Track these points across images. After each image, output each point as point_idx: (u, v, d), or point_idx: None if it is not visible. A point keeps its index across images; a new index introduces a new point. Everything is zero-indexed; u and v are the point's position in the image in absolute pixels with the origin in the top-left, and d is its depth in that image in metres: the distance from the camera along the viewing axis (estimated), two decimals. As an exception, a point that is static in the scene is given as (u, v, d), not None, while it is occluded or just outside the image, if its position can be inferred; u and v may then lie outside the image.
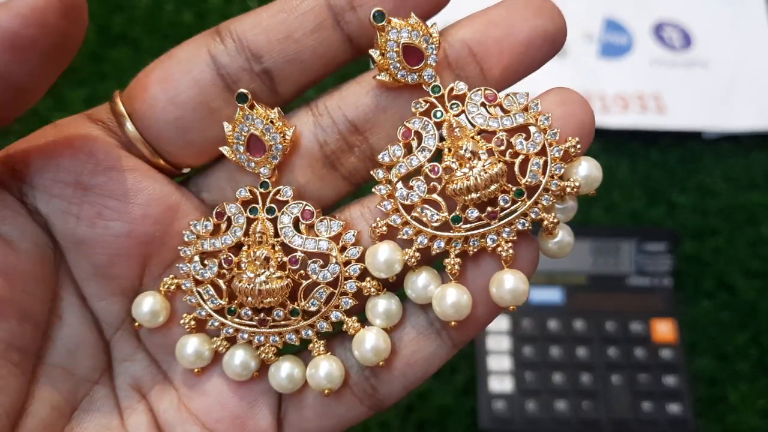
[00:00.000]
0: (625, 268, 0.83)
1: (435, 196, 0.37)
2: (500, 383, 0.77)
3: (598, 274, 0.83)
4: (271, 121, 0.37)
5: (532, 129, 0.36)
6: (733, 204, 0.89)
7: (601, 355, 0.78)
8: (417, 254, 0.37)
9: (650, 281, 0.82)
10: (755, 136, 0.94)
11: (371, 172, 0.38)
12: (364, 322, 0.39)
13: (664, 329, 0.80)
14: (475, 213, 0.37)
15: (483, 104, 0.37)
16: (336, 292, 0.38)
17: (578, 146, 0.36)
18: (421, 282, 0.38)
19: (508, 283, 0.36)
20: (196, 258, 0.39)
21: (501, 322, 0.80)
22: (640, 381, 0.77)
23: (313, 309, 0.39)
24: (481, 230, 0.37)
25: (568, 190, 0.36)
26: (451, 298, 0.37)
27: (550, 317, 0.80)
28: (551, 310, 0.81)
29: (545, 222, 0.37)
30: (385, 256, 0.37)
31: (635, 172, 0.91)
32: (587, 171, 0.37)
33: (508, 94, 0.37)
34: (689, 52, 0.98)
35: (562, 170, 0.37)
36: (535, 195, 0.37)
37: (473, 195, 0.36)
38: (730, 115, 0.93)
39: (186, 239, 0.39)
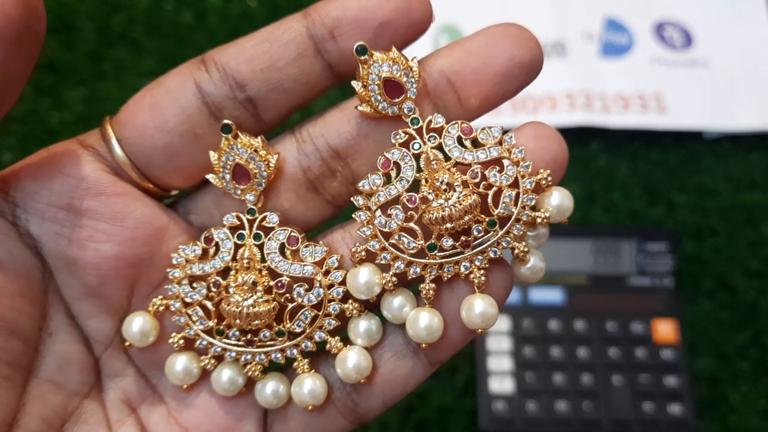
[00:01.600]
0: (625, 268, 0.83)
1: (412, 224, 0.39)
2: (500, 384, 0.77)
3: (598, 274, 0.83)
4: (255, 150, 0.39)
5: (506, 162, 0.38)
6: (733, 204, 0.89)
7: (601, 356, 0.79)
8: (394, 279, 0.39)
9: (651, 281, 0.82)
10: (755, 136, 0.93)
11: (352, 199, 0.39)
12: (346, 341, 0.41)
13: (664, 329, 0.80)
14: (450, 242, 0.38)
15: (459, 137, 0.38)
16: (320, 313, 0.40)
17: (549, 178, 0.38)
18: (397, 303, 0.39)
19: (478, 307, 0.38)
20: (185, 281, 0.40)
21: (501, 323, 0.80)
22: (641, 381, 0.77)
23: (298, 330, 0.40)
24: (455, 258, 0.38)
25: (539, 220, 0.38)
26: (423, 322, 0.38)
27: (550, 317, 0.80)
28: (552, 311, 0.81)
29: (516, 251, 0.38)
30: (365, 279, 0.39)
31: (635, 172, 0.91)
32: (559, 201, 0.38)
33: (483, 128, 0.38)
34: (690, 52, 0.97)
35: (534, 201, 0.38)
36: (507, 225, 0.38)
37: (448, 225, 0.37)
38: (731, 114, 0.93)
39: (175, 262, 0.40)
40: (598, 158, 0.91)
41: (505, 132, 0.38)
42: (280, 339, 0.40)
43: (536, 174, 0.38)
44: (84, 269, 0.39)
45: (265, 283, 0.39)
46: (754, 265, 0.85)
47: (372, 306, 0.40)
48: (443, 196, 0.37)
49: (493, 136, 0.38)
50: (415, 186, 0.38)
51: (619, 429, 0.75)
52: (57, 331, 0.39)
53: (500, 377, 0.77)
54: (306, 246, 0.39)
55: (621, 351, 0.79)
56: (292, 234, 0.40)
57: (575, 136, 0.90)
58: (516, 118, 0.91)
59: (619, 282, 0.83)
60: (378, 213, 0.38)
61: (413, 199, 0.38)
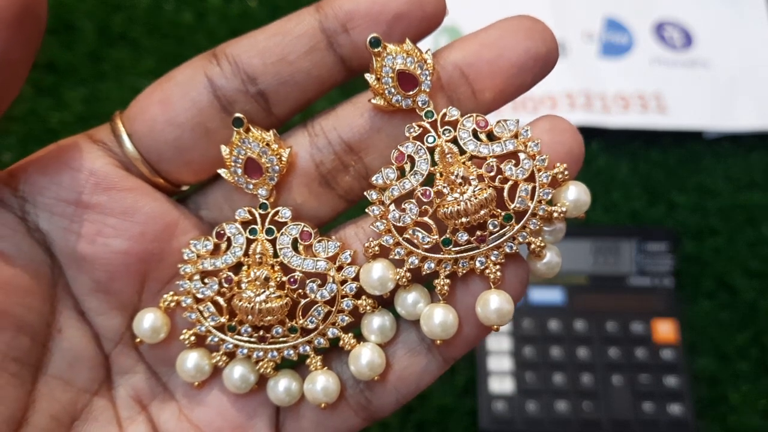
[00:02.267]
0: (625, 268, 0.83)
1: (426, 219, 0.38)
2: (500, 384, 0.77)
3: (598, 274, 0.83)
4: (267, 144, 0.38)
5: (522, 155, 0.37)
6: (733, 204, 0.89)
7: (601, 356, 0.79)
8: (408, 274, 0.38)
9: (651, 281, 0.82)
10: (755, 136, 0.94)
11: (365, 193, 0.39)
12: (359, 337, 0.40)
13: (664, 329, 0.80)
14: (465, 236, 0.38)
15: (474, 131, 0.38)
16: (333, 309, 0.40)
17: (566, 172, 0.37)
18: (411, 299, 0.39)
19: (494, 303, 0.37)
20: (196, 276, 0.40)
21: (502, 323, 0.80)
22: (641, 381, 0.77)
23: (311, 326, 0.40)
24: (470, 253, 0.38)
25: (555, 215, 0.37)
26: (438, 318, 0.38)
27: (550, 317, 0.80)
28: (552, 311, 0.81)
29: (532, 245, 0.38)
30: (378, 274, 0.38)
31: (635, 172, 0.91)
32: (576, 195, 0.38)
33: (499, 121, 0.38)
34: (690, 52, 0.98)
35: (550, 195, 0.38)
36: (523, 220, 0.38)
37: (463, 219, 0.37)
38: (731, 114, 0.93)
39: (186, 257, 0.40)
40: (598, 158, 0.91)
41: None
42: (292, 335, 0.40)
43: (552, 168, 0.37)
44: (93, 265, 0.39)
45: (278, 279, 0.39)
46: (754, 265, 0.86)
47: (386, 302, 0.40)
48: (458, 190, 0.37)
49: (508, 129, 0.38)
50: (429, 180, 0.38)
51: (619, 429, 0.75)
52: (66, 327, 0.39)
53: (500, 377, 0.77)
54: (319, 241, 0.39)
55: (621, 351, 0.79)
56: (305, 229, 0.39)
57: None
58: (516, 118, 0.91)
59: (619, 282, 0.83)
60: (392, 207, 0.38)
61: (428, 193, 0.38)
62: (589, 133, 0.92)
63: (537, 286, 0.82)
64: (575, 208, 0.37)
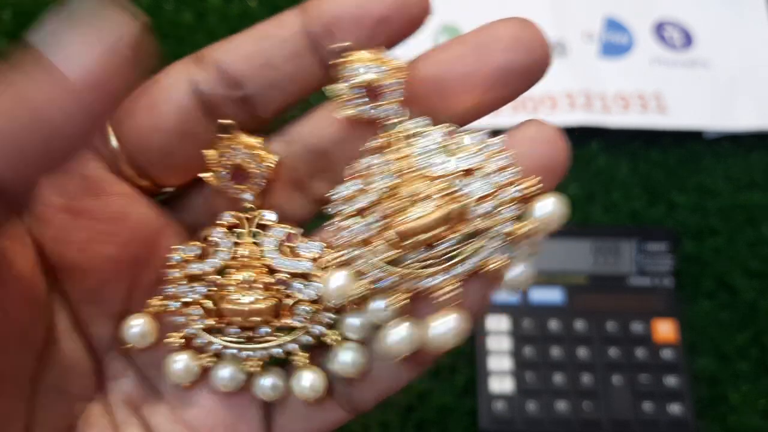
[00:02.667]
0: (625, 268, 0.83)
1: (387, 234, 0.37)
2: (500, 383, 0.77)
3: (598, 274, 0.83)
4: (253, 149, 0.39)
5: (489, 168, 0.36)
6: (733, 204, 0.89)
7: (601, 356, 0.79)
8: (368, 287, 0.38)
9: (651, 281, 0.82)
10: (756, 136, 0.93)
11: (324, 208, 0.39)
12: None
13: (664, 329, 0.80)
14: (423, 254, 0.37)
15: (441, 144, 0.37)
16: (319, 308, 0.40)
17: (538, 187, 0.36)
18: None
19: (451, 322, 0.37)
20: (183, 280, 0.40)
21: (501, 323, 0.80)
22: (641, 381, 0.77)
23: (297, 325, 0.40)
24: (428, 270, 0.37)
25: (521, 232, 0.36)
26: (396, 335, 0.37)
27: (550, 317, 0.80)
28: (552, 311, 0.81)
29: (492, 264, 0.37)
30: (337, 284, 0.38)
31: (635, 172, 0.91)
32: (544, 211, 0.36)
33: (468, 132, 0.37)
34: (690, 52, 0.98)
35: (518, 211, 0.36)
36: (485, 236, 0.36)
37: (422, 236, 0.36)
38: (731, 114, 0.93)
39: (173, 261, 0.40)
40: (598, 158, 0.91)
41: (498, 132, 0.37)
42: (279, 334, 0.40)
43: (524, 182, 0.36)
44: (84, 272, 0.38)
45: (264, 280, 0.40)
46: (754, 265, 0.85)
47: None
48: (420, 206, 0.36)
49: (478, 142, 0.37)
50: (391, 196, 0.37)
51: (619, 429, 0.75)
52: (60, 337, 0.39)
53: (500, 377, 0.77)
54: (303, 242, 0.40)
55: (621, 351, 0.79)
56: (289, 231, 0.40)
57: (575, 136, 0.90)
58: (516, 118, 0.90)
59: (619, 282, 0.83)
60: (351, 221, 0.38)
61: (388, 208, 0.37)
62: (589, 133, 0.92)
63: (537, 286, 0.82)
64: (545, 224, 0.36)
